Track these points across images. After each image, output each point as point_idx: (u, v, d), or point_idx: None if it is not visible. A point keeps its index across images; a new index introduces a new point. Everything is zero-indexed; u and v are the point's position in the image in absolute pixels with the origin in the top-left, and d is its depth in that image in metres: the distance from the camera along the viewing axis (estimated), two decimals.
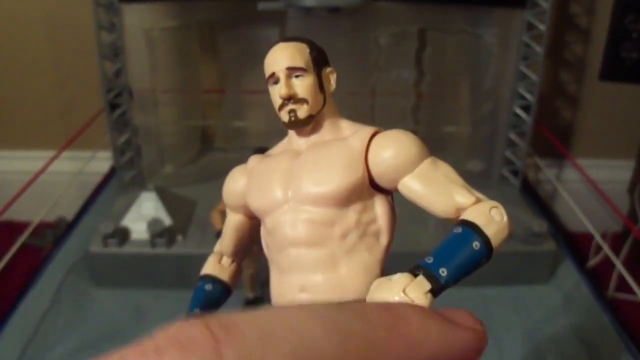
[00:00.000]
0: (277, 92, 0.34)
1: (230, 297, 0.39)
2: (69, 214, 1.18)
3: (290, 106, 0.33)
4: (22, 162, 1.29)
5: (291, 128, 0.35)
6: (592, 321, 0.93)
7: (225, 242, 0.39)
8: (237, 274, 0.39)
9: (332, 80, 0.35)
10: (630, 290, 0.90)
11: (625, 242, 1.15)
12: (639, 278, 0.90)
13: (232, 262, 0.39)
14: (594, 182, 1.12)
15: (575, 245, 1.17)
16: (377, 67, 1.13)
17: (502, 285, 0.99)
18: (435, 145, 1.17)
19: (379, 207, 0.33)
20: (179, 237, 0.99)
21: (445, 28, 1.11)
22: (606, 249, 0.98)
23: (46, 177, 1.07)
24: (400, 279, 0.26)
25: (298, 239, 0.32)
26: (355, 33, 1.08)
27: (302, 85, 0.33)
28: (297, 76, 0.34)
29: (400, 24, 1.11)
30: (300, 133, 0.35)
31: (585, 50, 1.26)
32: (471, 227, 0.29)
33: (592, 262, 1.12)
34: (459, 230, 0.29)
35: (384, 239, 0.33)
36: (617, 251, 1.04)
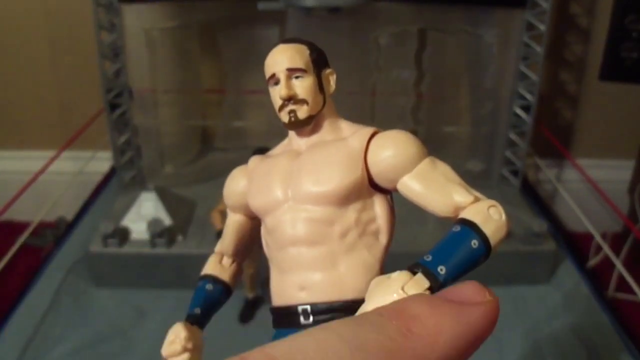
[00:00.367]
0: (277, 93, 0.34)
1: (230, 297, 0.39)
2: (69, 214, 1.18)
3: (291, 107, 0.34)
4: (22, 162, 1.29)
5: (291, 128, 0.35)
6: (592, 321, 0.93)
7: (226, 242, 0.39)
8: (237, 274, 0.39)
9: (332, 81, 0.36)
10: (630, 290, 0.90)
11: (625, 242, 1.15)
12: (639, 278, 0.90)
13: (233, 262, 0.39)
14: (594, 182, 1.12)
15: (575, 245, 1.17)
16: (377, 67, 1.13)
17: (502, 285, 0.99)
18: (435, 145, 1.17)
19: (379, 207, 0.33)
20: (179, 237, 0.99)
21: (445, 28, 1.11)
22: (606, 249, 0.98)
23: (46, 177, 1.07)
24: (399, 277, 0.26)
25: (298, 237, 0.32)
26: (355, 33, 1.08)
27: (302, 86, 0.34)
28: (297, 77, 0.34)
29: (400, 24, 1.11)
30: (300, 133, 0.35)
31: (585, 50, 1.26)
32: (470, 226, 0.29)
33: (592, 262, 1.12)
34: (458, 228, 0.29)
35: (383, 238, 0.33)
36: (617, 251, 1.04)
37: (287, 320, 0.32)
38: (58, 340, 0.87)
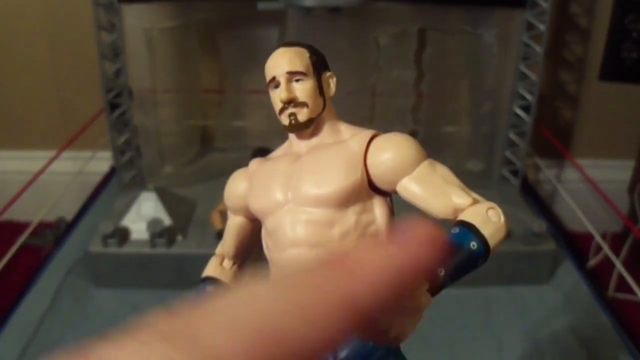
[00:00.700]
0: (277, 96, 0.34)
1: None
2: (69, 214, 1.18)
3: (291, 110, 0.34)
4: (22, 162, 1.29)
5: (291, 131, 0.35)
6: (592, 321, 0.93)
7: (227, 245, 0.39)
8: (238, 276, 0.39)
9: (332, 84, 0.36)
10: (630, 290, 0.90)
11: (625, 242, 1.15)
12: (638, 278, 0.90)
13: (234, 264, 0.39)
14: (594, 182, 1.12)
15: (575, 245, 1.17)
16: (377, 67, 1.13)
17: (502, 285, 0.99)
18: (435, 145, 1.17)
19: (378, 209, 0.33)
20: (179, 237, 0.99)
21: (445, 28, 1.11)
22: (606, 249, 0.98)
23: (46, 177, 1.07)
24: None
25: (298, 239, 0.32)
26: (355, 33, 1.08)
27: (302, 89, 0.34)
28: (297, 80, 0.34)
29: (400, 24, 1.11)
30: (300, 136, 0.35)
31: (585, 50, 1.26)
32: (468, 228, 0.29)
33: (592, 262, 1.12)
34: (457, 230, 0.29)
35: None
36: (617, 251, 1.04)
37: None
38: (58, 340, 0.87)
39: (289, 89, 0.34)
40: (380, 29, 1.11)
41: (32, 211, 1.05)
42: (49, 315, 0.91)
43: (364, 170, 0.32)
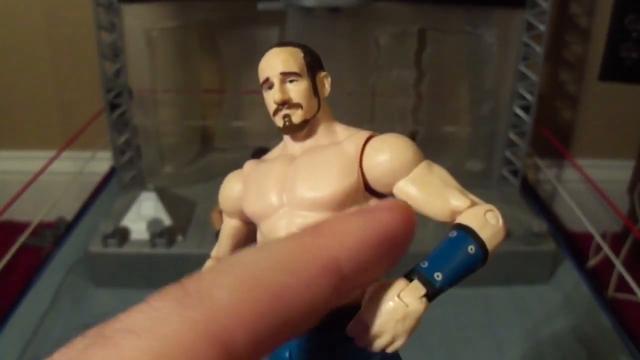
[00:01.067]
0: (271, 97, 0.34)
1: None
2: (69, 214, 1.18)
3: (285, 111, 0.33)
4: (22, 162, 1.29)
5: (286, 133, 0.34)
6: (592, 321, 0.93)
7: (222, 248, 0.39)
8: None
9: (327, 84, 0.35)
10: (630, 290, 0.90)
11: (625, 242, 1.15)
12: (639, 278, 0.90)
13: None
14: (594, 182, 1.12)
15: (575, 245, 1.17)
16: (377, 67, 1.13)
17: (502, 285, 0.99)
18: (435, 145, 1.17)
19: None
20: (179, 237, 0.99)
21: (445, 28, 1.11)
22: (606, 249, 0.98)
23: (46, 177, 1.07)
24: (395, 284, 0.26)
25: None
26: (355, 33, 1.08)
27: (296, 90, 0.33)
28: (291, 81, 0.34)
29: (400, 24, 1.11)
30: (295, 138, 0.35)
31: (585, 50, 1.26)
32: (466, 231, 0.29)
33: (592, 262, 1.12)
34: (454, 234, 0.29)
35: None
36: (617, 251, 1.04)
37: None
38: (58, 340, 0.86)
39: (283, 90, 0.33)
40: (380, 29, 1.11)
41: (32, 211, 1.05)
42: (49, 315, 0.91)
43: (360, 172, 0.32)
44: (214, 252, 0.39)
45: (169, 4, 1.08)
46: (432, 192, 0.31)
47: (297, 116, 0.33)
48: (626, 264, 0.98)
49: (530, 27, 1.05)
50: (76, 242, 1.06)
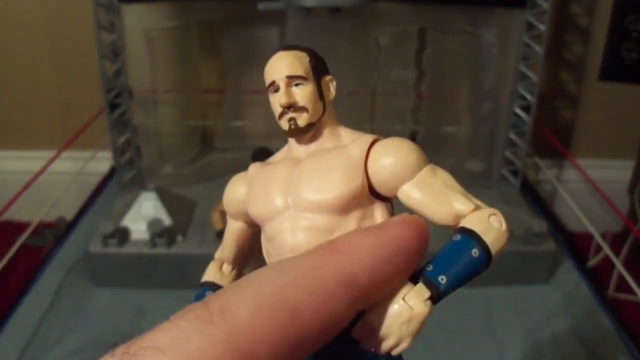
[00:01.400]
0: (277, 101, 0.34)
1: None
2: (69, 214, 1.18)
3: (290, 114, 0.33)
4: (22, 162, 1.29)
5: (291, 136, 0.34)
6: (592, 321, 0.93)
7: (226, 250, 0.39)
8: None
9: (332, 88, 0.35)
10: (630, 290, 0.90)
11: (625, 242, 1.16)
12: (639, 278, 0.90)
13: (233, 269, 0.39)
14: (594, 182, 1.12)
15: (575, 245, 1.17)
16: (377, 67, 1.13)
17: (502, 285, 0.99)
18: (435, 145, 1.17)
19: (379, 215, 0.33)
20: (179, 237, 0.99)
21: (445, 28, 1.11)
22: (606, 249, 0.98)
23: (46, 177, 1.07)
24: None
25: (298, 246, 0.32)
26: (355, 33, 1.08)
27: (302, 94, 0.33)
28: (296, 84, 0.34)
29: (400, 24, 1.11)
30: (300, 141, 0.35)
31: (585, 50, 1.26)
32: (470, 235, 0.29)
33: (592, 262, 1.13)
34: (458, 237, 0.29)
35: None
36: (617, 251, 1.04)
37: None
38: (58, 340, 0.87)
39: (289, 94, 0.33)
40: (380, 29, 1.11)
41: (32, 211, 1.05)
42: (49, 315, 0.91)
43: (364, 176, 0.32)
44: (218, 254, 0.40)
45: (169, 4, 1.09)
46: (436, 196, 0.31)
47: (302, 119, 0.33)
48: (626, 264, 0.98)
49: (530, 27, 1.05)
50: (76, 242, 1.06)
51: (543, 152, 1.27)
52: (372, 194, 0.33)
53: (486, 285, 0.98)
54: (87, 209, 1.17)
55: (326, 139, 0.34)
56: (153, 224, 0.96)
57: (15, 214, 1.11)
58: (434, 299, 0.27)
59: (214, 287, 0.38)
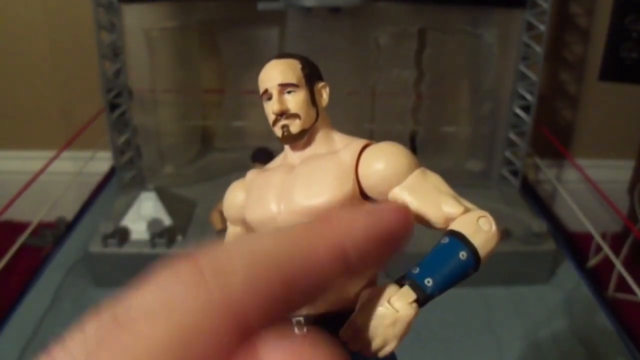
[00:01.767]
0: (270, 108, 0.35)
1: None
2: (69, 214, 1.18)
3: (283, 121, 0.34)
4: (22, 162, 1.29)
5: (285, 142, 0.35)
6: (592, 321, 0.93)
7: None
8: None
9: (325, 94, 0.36)
10: (630, 290, 0.90)
11: (625, 242, 1.16)
12: (639, 278, 0.90)
13: None
14: (594, 182, 1.12)
15: (575, 245, 1.17)
16: (377, 67, 1.13)
17: (502, 285, 0.99)
18: (435, 145, 1.17)
19: None
20: (179, 237, 0.99)
21: (445, 28, 1.11)
22: (606, 249, 0.98)
23: (46, 177, 1.07)
24: (387, 290, 0.27)
25: None
26: (355, 33, 1.08)
27: (294, 101, 0.34)
28: (289, 92, 0.35)
29: (400, 24, 1.11)
30: (294, 147, 0.35)
31: (585, 50, 1.26)
32: (458, 237, 0.29)
33: (592, 262, 1.13)
34: (446, 240, 0.29)
35: None
36: (617, 251, 1.04)
37: None
38: (58, 340, 0.86)
39: (281, 101, 0.34)
40: (380, 29, 1.11)
41: (32, 211, 1.05)
42: (49, 315, 0.91)
43: (355, 180, 0.33)
44: None
45: (169, 4, 1.09)
46: (425, 199, 0.31)
47: (295, 126, 0.34)
48: (626, 264, 0.98)
49: (530, 27, 1.05)
50: (76, 242, 1.06)
51: (543, 152, 1.27)
52: (364, 197, 0.33)
53: (486, 285, 0.98)
54: (87, 209, 1.16)
55: (320, 145, 0.35)
56: (153, 224, 0.96)
57: (15, 214, 1.10)
58: (420, 301, 0.27)
59: None
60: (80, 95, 1.26)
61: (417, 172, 0.32)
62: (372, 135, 1.19)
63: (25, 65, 1.28)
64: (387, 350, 0.27)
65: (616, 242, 1.15)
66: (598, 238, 1.02)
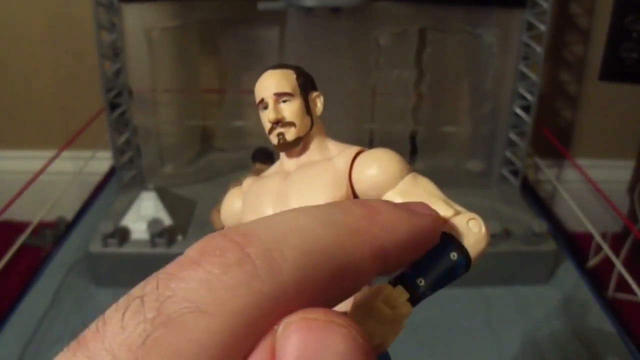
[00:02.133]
0: (266, 117, 0.36)
1: None
2: (69, 214, 1.18)
3: (279, 129, 0.35)
4: (22, 162, 1.29)
5: (281, 150, 0.36)
6: (592, 321, 0.93)
7: None
8: None
9: (319, 103, 0.37)
10: (630, 290, 0.90)
11: (625, 242, 1.16)
12: (639, 278, 0.90)
13: None
14: (594, 182, 1.12)
15: (575, 245, 1.17)
16: (377, 67, 1.13)
17: (502, 285, 0.99)
18: (435, 145, 1.17)
19: None
20: (179, 237, 0.99)
21: (445, 28, 1.12)
22: (606, 249, 0.98)
23: (46, 177, 1.07)
24: (379, 289, 0.27)
25: None
26: (355, 33, 1.08)
27: (290, 109, 0.35)
28: (284, 101, 0.36)
29: (400, 24, 1.11)
30: (289, 154, 0.37)
31: (585, 50, 1.26)
32: (448, 239, 0.30)
33: (592, 262, 1.13)
34: (437, 241, 0.30)
35: None
36: (617, 251, 1.04)
37: None
38: (58, 340, 0.87)
39: (277, 110, 0.35)
40: (380, 29, 1.11)
41: (32, 211, 1.05)
42: (49, 315, 0.91)
43: (349, 186, 0.34)
44: None
45: (169, 4, 1.09)
46: None
47: (290, 134, 0.35)
48: (626, 264, 0.98)
49: (530, 27, 1.05)
50: (76, 242, 1.06)
51: (543, 152, 1.27)
52: None
53: (486, 285, 0.98)
54: (87, 209, 1.17)
55: (314, 152, 0.36)
56: (153, 223, 0.96)
57: (15, 213, 1.11)
58: (413, 301, 0.28)
59: None
60: (80, 95, 1.26)
61: (409, 177, 0.33)
62: (372, 135, 1.20)
63: (25, 65, 1.28)
64: (382, 348, 0.28)
65: (616, 242, 1.15)
66: (598, 238, 1.02)
